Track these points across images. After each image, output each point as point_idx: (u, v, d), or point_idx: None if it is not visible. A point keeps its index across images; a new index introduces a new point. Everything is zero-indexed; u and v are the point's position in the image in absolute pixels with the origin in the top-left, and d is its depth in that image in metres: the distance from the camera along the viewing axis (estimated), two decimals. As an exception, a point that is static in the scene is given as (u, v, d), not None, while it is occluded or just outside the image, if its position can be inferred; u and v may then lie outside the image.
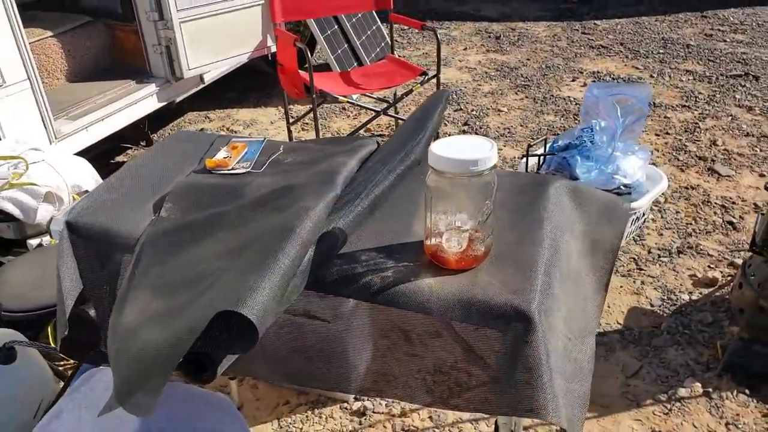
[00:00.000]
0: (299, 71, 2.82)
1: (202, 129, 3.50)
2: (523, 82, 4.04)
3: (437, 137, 1.11)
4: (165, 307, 0.87)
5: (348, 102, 3.11)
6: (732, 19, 5.18)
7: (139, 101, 2.64)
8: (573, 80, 4.04)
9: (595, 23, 5.26)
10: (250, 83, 4.01)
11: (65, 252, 1.07)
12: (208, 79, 3.09)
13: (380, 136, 3.38)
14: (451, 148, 0.89)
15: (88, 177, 2.00)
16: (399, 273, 0.95)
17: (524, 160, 2.41)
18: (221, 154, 1.29)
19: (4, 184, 1.78)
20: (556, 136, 3.26)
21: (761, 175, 2.78)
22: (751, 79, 3.88)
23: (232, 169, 1.25)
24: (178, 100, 3.02)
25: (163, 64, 2.75)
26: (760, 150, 3.01)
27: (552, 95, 3.81)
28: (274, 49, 3.14)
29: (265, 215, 0.98)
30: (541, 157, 2.25)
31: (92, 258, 1.09)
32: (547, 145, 2.51)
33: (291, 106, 3.76)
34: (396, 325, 0.96)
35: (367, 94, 3.39)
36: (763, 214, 1.81)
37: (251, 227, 0.96)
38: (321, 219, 0.92)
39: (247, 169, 1.24)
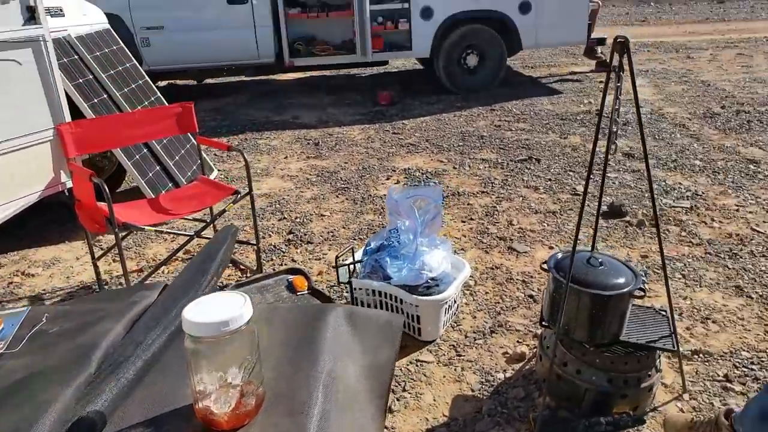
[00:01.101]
0: (99, 204, 2.67)
1: (-7, 276, 3.11)
2: (342, 185, 4.25)
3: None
4: None
5: (156, 231, 3.00)
6: (515, 110, 6.04)
7: None
8: (387, 179, 4.34)
9: (403, 123, 5.79)
10: (50, 217, 3.71)
11: None
12: (-7, 222, 2.79)
13: (203, 256, 3.27)
14: (204, 310, 0.89)
15: None
16: (166, 447, 0.89)
17: (340, 268, 2.50)
18: (-32, 336, 1.15)
19: None
20: (374, 233, 3.43)
21: (551, 248, 3.16)
22: (534, 161, 4.50)
23: (-19, 352, 1.11)
24: (-45, 251, 2.67)
25: (-70, 216, 2.44)
26: (547, 225, 3.44)
27: (370, 195, 4.04)
28: (70, 184, 2.96)
29: (7, 412, 0.87)
30: (353, 265, 2.34)
31: None
32: (361, 250, 2.63)
33: (100, 237, 3.52)
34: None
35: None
36: (546, 289, 2.03)
37: (-16, 431, 0.84)
38: (67, 409, 0.85)
39: (2, 350, 1.11)
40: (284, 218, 3.77)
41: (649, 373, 1.93)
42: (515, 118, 5.75)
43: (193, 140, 4.39)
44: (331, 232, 3.54)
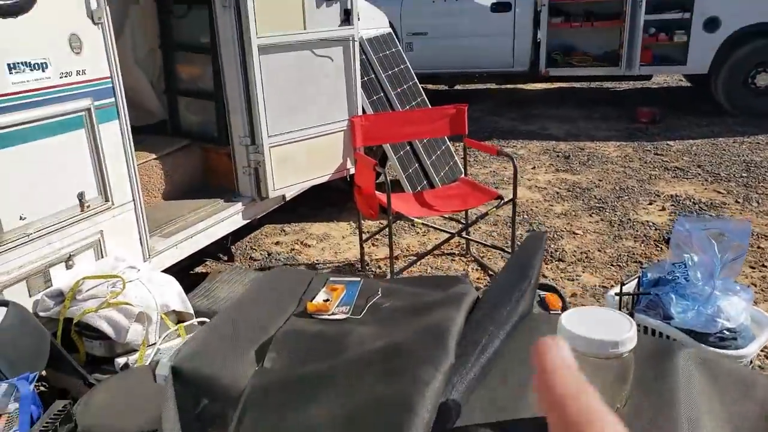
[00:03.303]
0: (376, 192, 2.89)
1: (277, 242, 3.59)
2: (596, 204, 3.99)
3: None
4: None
5: (422, 223, 3.14)
6: (815, 142, 5.03)
7: (226, 219, 2.76)
8: (650, 203, 3.95)
9: (667, 144, 5.23)
10: (324, 197, 4.15)
11: (169, 399, 1.06)
12: (289, 196, 3.21)
13: (451, 255, 3.36)
14: (585, 323, 0.84)
15: (176, 297, 2.04)
16: (522, 457, 0.87)
17: (611, 293, 2.31)
18: (321, 297, 1.28)
19: (102, 303, 1.84)
20: (640, 264, 3.14)
21: None
22: None
23: (332, 314, 1.23)
24: (259, 216, 3.13)
25: (251, 185, 2.89)
26: None
27: (629, 219, 3.72)
28: (352, 171, 3.26)
29: (376, 379, 0.94)
30: (634, 296, 2.14)
31: (194, 406, 1.07)
32: (634, 279, 2.40)
33: (363, 221, 3.83)
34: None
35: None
36: None
37: (363, 392, 0.91)
38: (439, 394, 0.87)
39: (347, 315, 1.22)
40: (533, 230, 3.67)
41: None
42: (818, 153, 4.79)
43: (448, 143, 4.54)
44: (585, 252, 3.34)
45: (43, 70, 1.91)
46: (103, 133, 2.08)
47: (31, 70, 1.87)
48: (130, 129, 2.21)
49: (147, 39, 3.31)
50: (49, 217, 1.91)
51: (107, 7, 2.11)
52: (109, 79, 2.12)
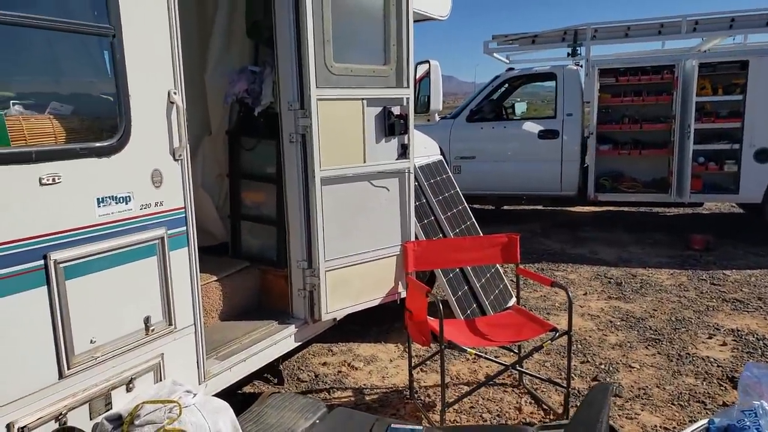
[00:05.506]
0: (428, 318, 2.90)
1: (324, 363, 3.58)
2: (652, 336, 3.84)
3: None
4: None
5: (476, 355, 3.09)
6: None
7: (279, 342, 2.80)
8: (709, 337, 3.78)
9: (724, 273, 5.08)
10: (371, 314, 4.16)
11: None
12: (340, 317, 3.25)
13: (503, 385, 3.25)
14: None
15: (229, 424, 2.05)
16: None
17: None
18: (380, 445, 1.28)
19: (158, 429, 1.86)
20: (703, 405, 2.96)
21: None
22: None
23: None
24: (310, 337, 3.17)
25: (305, 307, 2.97)
26: None
27: (688, 353, 3.55)
28: (403, 294, 3.31)
29: None
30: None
31: None
32: (701, 424, 2.26)
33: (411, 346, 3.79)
34: None
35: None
36: None
37: None
38: None
39: (405, 465, 1.21)
40: (587, 361, 3.54)
41: None
42: None
43: (498, 266, 4.56)
44: (643, 389, 3.17)
45: (127, 203, 2.09)
46: (172, 259, 2.23)
47: (117, 203, 2.06)
48: (198, 255, 2.35)
49: (216, 166, 3.60)
50: (117, 340, 2.01)
51: (188, 145, 2.34)
52: (183, 209, 2.30)
